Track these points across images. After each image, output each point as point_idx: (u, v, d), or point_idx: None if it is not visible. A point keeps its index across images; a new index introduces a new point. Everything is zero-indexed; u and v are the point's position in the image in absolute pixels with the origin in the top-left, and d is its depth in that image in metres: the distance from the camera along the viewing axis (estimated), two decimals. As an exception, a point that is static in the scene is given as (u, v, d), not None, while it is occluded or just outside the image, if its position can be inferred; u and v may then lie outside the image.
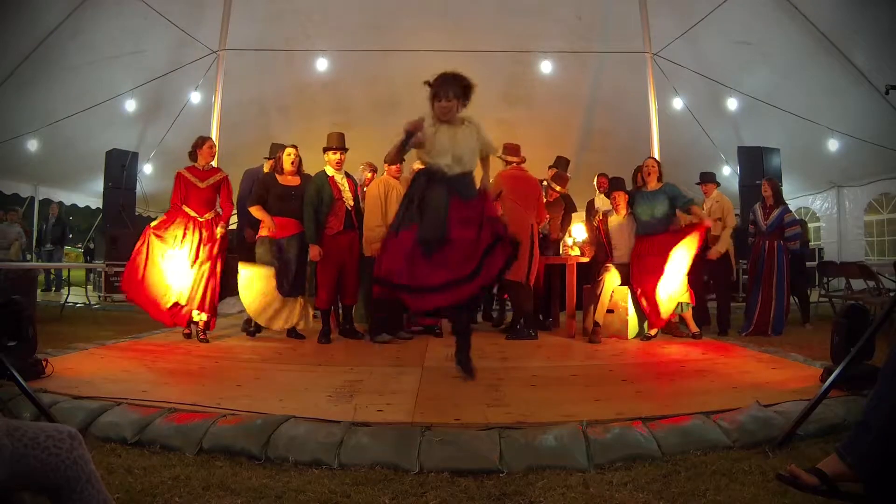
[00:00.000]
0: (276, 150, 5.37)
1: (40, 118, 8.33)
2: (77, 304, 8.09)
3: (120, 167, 8.97)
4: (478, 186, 3.46)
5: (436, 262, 3.15)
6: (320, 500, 1.85)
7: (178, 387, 3.17)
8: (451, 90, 3.28)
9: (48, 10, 7.28)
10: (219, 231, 4.72)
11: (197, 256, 4.65)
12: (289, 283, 4.77)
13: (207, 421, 2.40)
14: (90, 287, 8.91)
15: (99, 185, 9.65)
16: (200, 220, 4.70)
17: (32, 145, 8.83)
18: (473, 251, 3.18)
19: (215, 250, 4.72)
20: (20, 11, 7.04)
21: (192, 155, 4.83)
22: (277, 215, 4.77)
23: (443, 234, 3.15)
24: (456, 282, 3.15)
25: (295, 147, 4.93)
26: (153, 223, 4.71)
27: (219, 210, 4.84)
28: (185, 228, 4.66)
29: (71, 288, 9.19)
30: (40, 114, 8.29)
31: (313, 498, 1.86)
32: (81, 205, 11.35)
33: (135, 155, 9.32)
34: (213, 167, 4.86)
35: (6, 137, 8.32)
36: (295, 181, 4.86)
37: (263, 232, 4.78)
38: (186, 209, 4.69)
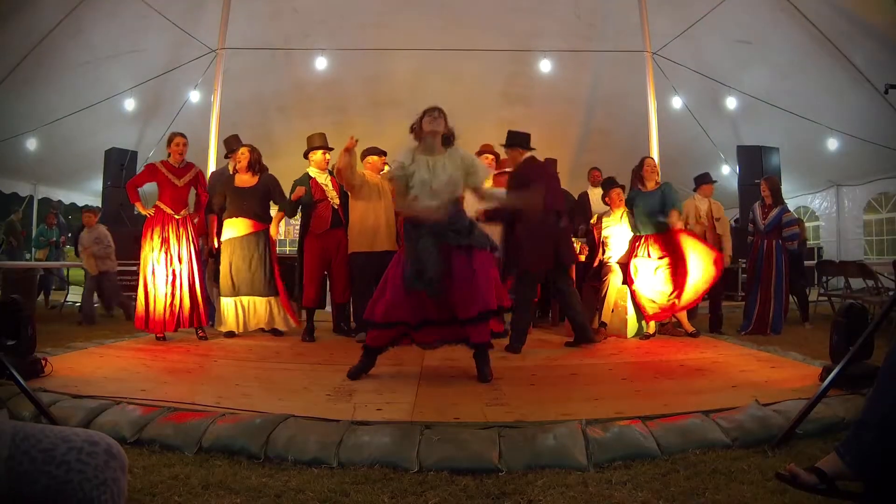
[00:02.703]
0: (231, 144, 5.41)
1: (39, 117, 8.32)
2: (76, 303, 8.07)
3: (119, 166, 8.95)
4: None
5: (434, 301, 3.20)
6: (320, 498, 1.85)
7: (178, 386, 3.17)
8: (439, 110, 3.31)
9: (47, 9, 7.26)
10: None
11: (180, 255, 4.68)
12: (242, 282, 4.85)
13: (206, 420, 2.40)
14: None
15: (98, 184, 9.63)
16: (177, 217, 4.71)
17: (31, 144, 8.81)
18: (469, 293, 3.16)
19: (193, 247, 4.76)
20: (19, 10, 7.03)
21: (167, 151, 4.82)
22: (234, 216, 4.86)
23: (438, 271, 3.13)
24: (454, 320, 3.22)
25: (248, 147, 4.98)
26: (144, 251, 4.68)
27: (189, 210, 4.87)
28: (165, 228, 4.66)
29: (70, 287, 9.16)
30: (39, 113, 8.27)
31: (313, 497, 1.86)
32: (80, 204, 11.31)
33: (134, 154, 9.30)
34: (188, 163, 4.84)
35: (5, 136, 8.30)
36: (251, 181, 4.91)
37: (213, 242, 4.93)
38: (162, 206, 4.69)
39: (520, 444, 2.19)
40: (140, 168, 9.45)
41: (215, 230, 4.95)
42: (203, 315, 4.80)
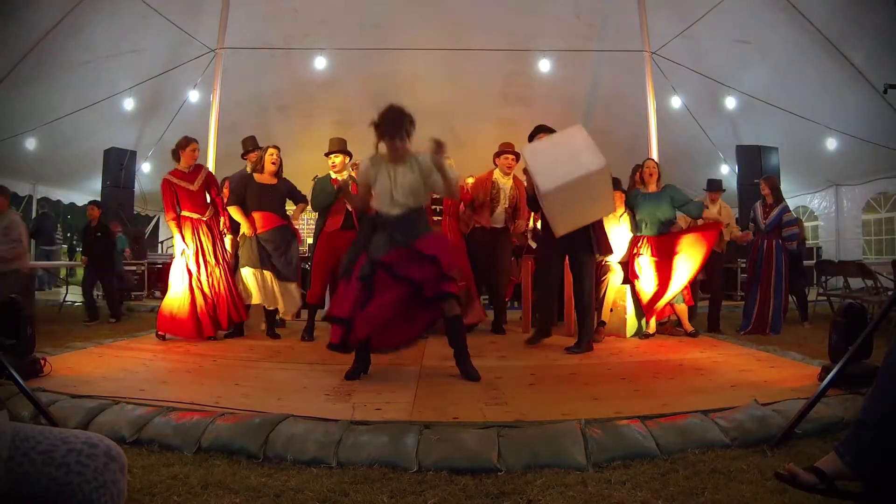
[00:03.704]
0: (248, 145, 5.41)
1: (39, 116, 8.32)
2: (75, 302, 8.08)
3: (118, 166, 8.96)
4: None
5: (383, 301, 3.19)
6: (319, 498, 1.85)
7: (177, 386, 3.16)
8: (404, 129, 3.21)
9: (47, 9, 7.26)
10: (226, 234, 4.90)
11: (216, 257, 4.76)
12: (280, 267, 4.81)
13: (206, 420, 2.40)
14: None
15: (97, 184, 9.63)
16: (204, 219, 4.78)
17: (31, 143, 8.81)
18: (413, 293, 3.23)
19: (221, 247, 4.84)
20: (19, 10, 7.03)
21: (175, 155, 4.83)
22: (257, 210, 4.80)
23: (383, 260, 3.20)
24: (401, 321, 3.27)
25: (277, 148, 4.96)
26: (181, 252, 4.72)
27: (212, 212, 4.88)
28: (195, 235, 4.73)
29: (69, 287, 9.16)
30: (39, 112, 8.28)
31: (312, 497, 1.86)
32: (80, 203, 11.33)
33: (133, 153, 9.32)
34: (196, 165, 4.88)
35: (5, 136, 8.31)
36: (273, 180, 4.90)
37: (243, 230, 4.80)
38: (187, 213, 4.74)
39: (519, 444, 2.19)
40: (139, 168, 9.51)
41: (246, 217, 4.78)
42: (232, 314, 4.82)
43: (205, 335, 4.71)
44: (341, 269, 3.41)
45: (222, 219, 4.93)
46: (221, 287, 4.77)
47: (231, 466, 2.11)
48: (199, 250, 4.73)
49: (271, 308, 4.93)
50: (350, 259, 3.36)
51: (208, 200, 4.95)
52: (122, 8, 7.62)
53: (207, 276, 4.74)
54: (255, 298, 4.85)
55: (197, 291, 4.70)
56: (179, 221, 4.74)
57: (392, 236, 3.26)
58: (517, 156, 5.29)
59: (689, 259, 4.80)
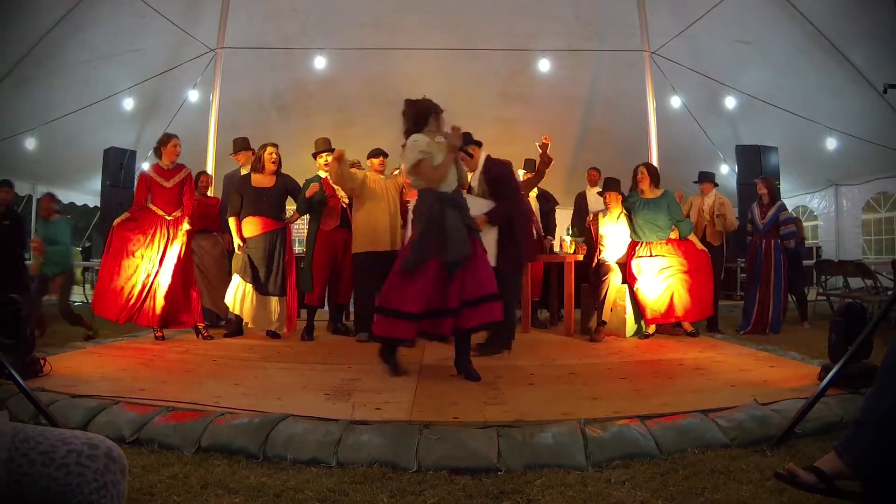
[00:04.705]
0: (239, 146, 5.40)
1: (38, 116, 8.30)
2: (75, 302, 8.07)
3: (118, 165, 8.94)
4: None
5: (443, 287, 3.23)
6: (318, 498, 1.85)
7: (176, 385, 3.16)
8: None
9: (47, 9, 7.25)
10: (184, 225, 4.73)
11: (164, 255, 4.65)
12: (265, 281, 4.76)
13: (205, 419, 2.40)
14: (88, 286, 8.88)
15: (97, 184, 9.60)
16: (168, 218, 4.69)
17: (30, 143, 8.79)
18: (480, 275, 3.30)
19: (184, 249, 4.73)
20: (19, 9, 7.02)
21: (157, 152, 4.81)
22: (252, 215, 4.77)
23: (468, 251, 3.27)
24: (442, 311, 3.25)
25: (275, 145, 4.93)
26: (117, 221, 4.67)
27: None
28: (154, 228, 4.65)
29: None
30: (38, 112, 8.25)
31: (311, 496, 1.86)
32: (79, 203, 11.32)
33: (133, 153, 9.29)
34: (178, 164, 4.84)
35: (4, 136, 8.29)
36: (270, 182, 4.85)
37: (238, 242, 4.78)
38: (154, 208, 4.70)
39: (518, 444, 2.19)
40: (139, 167, 9.48)
41: (239, 230, 4.76)
42: (199, 313, 4.82)
43: (134, 320, 4.62)
44: (408, 258, 3.30)
45: (183, 224, 4.73)
46: (160, 287, 4.63)
47: (231, 466, 2.11)
48: (150, 245, 4.62)
49: (252, 327, 4.88)
50: (422, 249, 3.26)
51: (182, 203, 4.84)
52: (122, 8, 7.60)
53: (143, 272, 4.60)
54: (236, 309, 4.79)
55: (131, 280, 4.58)
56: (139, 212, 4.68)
57: (463, 215, 3.36)
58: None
59: (700, 281, 4.90)
